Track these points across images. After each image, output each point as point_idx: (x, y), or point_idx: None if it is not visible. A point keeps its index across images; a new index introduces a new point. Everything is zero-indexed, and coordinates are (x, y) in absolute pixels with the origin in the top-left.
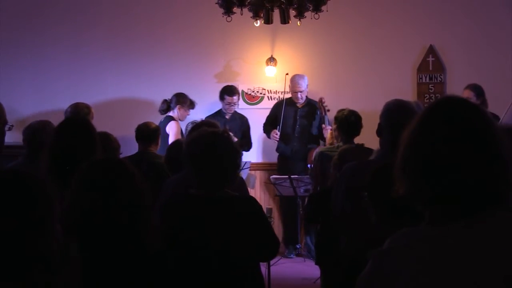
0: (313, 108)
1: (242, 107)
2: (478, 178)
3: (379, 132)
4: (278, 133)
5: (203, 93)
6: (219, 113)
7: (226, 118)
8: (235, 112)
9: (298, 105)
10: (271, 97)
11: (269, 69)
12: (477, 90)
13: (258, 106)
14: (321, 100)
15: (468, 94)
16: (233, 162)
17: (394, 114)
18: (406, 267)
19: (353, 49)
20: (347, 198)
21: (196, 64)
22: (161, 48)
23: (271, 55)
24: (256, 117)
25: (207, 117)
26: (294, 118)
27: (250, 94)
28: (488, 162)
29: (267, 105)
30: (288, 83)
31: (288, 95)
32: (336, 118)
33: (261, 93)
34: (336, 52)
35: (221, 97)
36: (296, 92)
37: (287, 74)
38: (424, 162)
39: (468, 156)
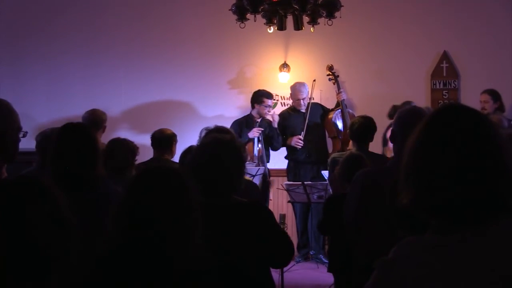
0: (317, 108)
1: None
2: (483, 186)
3: (392, 139)
4: (302, 138)
5: (216, 99)
6: (249, 118)
7: (257, 122)
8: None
9: (302, 110)
10: (284, 103)
11: (282, 76)
12: (494, 94)
13: (274, 111)
14: (329, 66)
15: (485, 98)
16: (238, 169)
17: (407, 119)
18: (412, 276)
19: (366, 55)
20: (360, 206)
21: (210, 70)
22: (175, 54)
23: (285, 61)
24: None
25: (235, 122)
26: (302, 123)
27: None
28: (492, 170)
29: (280, 111)
30: (309, 89)
31: (313, 100)
32: (349, 125)
33: (274, 99)
34: (349, 58)
35: (259, 101)
36: (299, 100)
37: (314, 80)
38: (427, 170)
39: (472, 164)
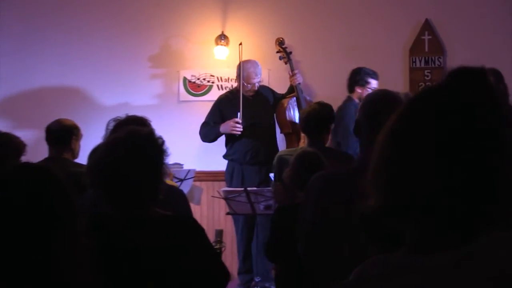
0: (267, 92)
1: (183, 99)
2: (480, 191)
3: (357, 131)
4: (240, 121)
5: (133, 82)
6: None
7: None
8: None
9: (249, 96)
10: (221, 86)
11: (219, 50)
12: (497, 75)
13: (205, 97)
14: (279, 40)
15: None
16: (157, 172)
17: (375, 106)
18: None
19: (328, 25)
20: (317, 220)
21: (125, 45)
22: (72, 25)
23: (222, 32)
24: (203, 112)
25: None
26: (248, 113)
27: (194, 83)
28: (494, 169)
29: (216, 97)
30: (238, 64)
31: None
32: (300, 115)
33: (208, 81)
34: (305, 30)
35: (363, 82)
36: (251, 84)
37: (240, 44)
38: (407, 166)
39: (468, 161)
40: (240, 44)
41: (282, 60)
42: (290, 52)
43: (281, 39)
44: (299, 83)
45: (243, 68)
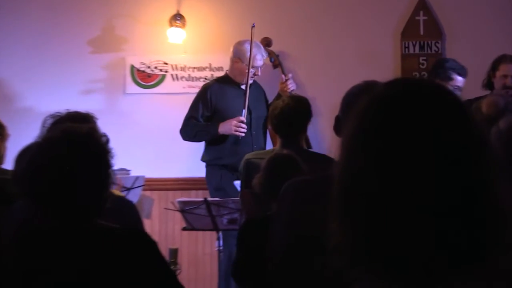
0: (258, 90)
1: (130, 92)
2: (456, 219)
3: (337, 129)
4: (245, 120)
5: (71, 69)
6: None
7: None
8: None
9: (242, 87)
10: (177, 76)
11: (174, 33)
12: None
13: (157, 90)
14: (267, 40)
15: (507, 70)
16: (101, 177)
17: (356, 99)
18: None
19: (308, 4)
20: (291, 237)
21: (60, 26)
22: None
23: (177, 11)
24: (155, 107)
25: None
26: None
27: (144, 72)
28: (467, 190)
29: (171, 89)
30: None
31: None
32: (271, 110)
33: (161, 70)
34: (280, 8)
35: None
36: (255, 69)
37: (253, 26)
38: (363, 188)
39: (435, 180)
40: (253, 26)
41: (271, 64)
42: (278, 55)
43: (268, 39)
44: (293, 90)
45: (245, 49)
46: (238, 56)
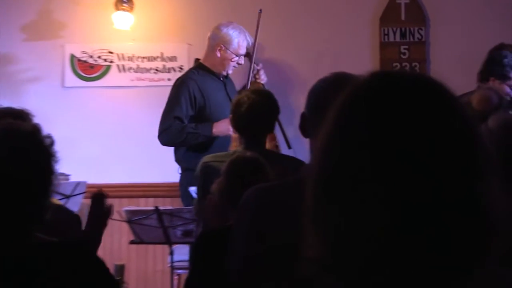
0: (231, 86)
1: (70, 85)
2: (441, 221)
3: (303, 128)
4: None
5: (3, 58)
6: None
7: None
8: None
9: (221, 78)
10: (123, 66)
11: (120, 17)
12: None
13: (101, 83)
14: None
15: None
16: (43, 183)
17: (323, 96)
18: None
19: None
20: (252, 251)
21: None
22: None
23: None
24: (99, 102)
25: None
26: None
27: (86, 62)
28: (454, 191)
29: (117, 82)
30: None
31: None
32: (233, 106)
33: (106, 60)
34: None
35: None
36: (238, 58)
37: (260, 11)
38: (341, 196)
39: (424, 182)
40: (260, 11)
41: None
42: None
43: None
44: (264, 83)
45: (231, 35)
46: (222, 43)
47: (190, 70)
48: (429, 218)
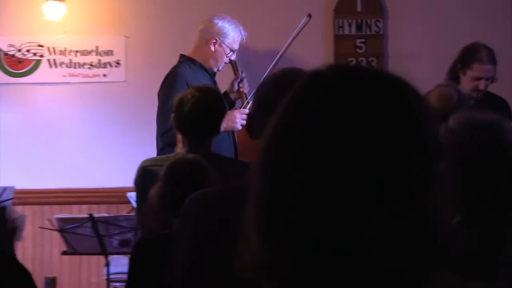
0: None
1: None
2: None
3: (249, 128)
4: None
5: None
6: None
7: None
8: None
9: (212, 72)
10: (55, 61)
11: (50, 7)
12: (494, 57)
13: (31, 79)
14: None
15: (482, 72)
16: None
17: (271, 92)
18: None
19: None
20: (195, 263)
21: None
22: None
23: None
24: (28, 100)
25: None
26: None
27: (13, 56)
28: (402, 194)
29: (48, 78)
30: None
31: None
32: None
33: (35, 54)
34: None
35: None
36: (231, 53)
37: (309, 16)
38: (280, 201)
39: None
40: (309, 16)
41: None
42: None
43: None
44: (246, 92)
45: (228, 28)
46: (217, 36)
47: (181, 64)
48: (365, 217)
